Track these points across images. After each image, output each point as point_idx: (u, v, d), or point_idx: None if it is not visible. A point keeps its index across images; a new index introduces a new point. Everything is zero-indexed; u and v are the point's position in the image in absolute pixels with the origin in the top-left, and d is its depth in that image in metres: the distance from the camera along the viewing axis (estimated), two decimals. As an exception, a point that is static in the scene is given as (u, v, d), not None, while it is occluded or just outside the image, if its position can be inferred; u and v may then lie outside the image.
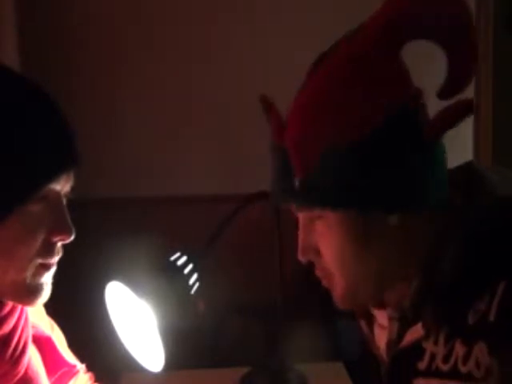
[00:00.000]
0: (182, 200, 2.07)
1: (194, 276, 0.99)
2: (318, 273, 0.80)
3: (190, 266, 0.99)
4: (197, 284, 1.00)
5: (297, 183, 0.74)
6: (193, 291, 0.99)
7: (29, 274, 0.77)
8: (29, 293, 0.78)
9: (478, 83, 2.02)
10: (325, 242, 0.76)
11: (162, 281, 0.95)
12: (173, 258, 0.99)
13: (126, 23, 2.05)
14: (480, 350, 0.65)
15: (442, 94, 0.71)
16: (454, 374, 0.69)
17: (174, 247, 1.02)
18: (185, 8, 2.05)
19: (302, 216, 0.79)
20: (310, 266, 0.81)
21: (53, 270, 0.80)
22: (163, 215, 2.03)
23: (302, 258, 0.79)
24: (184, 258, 1.00)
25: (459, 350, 0.68)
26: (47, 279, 0.80)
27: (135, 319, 0.97)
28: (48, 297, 0.81)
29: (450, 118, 0.69)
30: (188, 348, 1.45)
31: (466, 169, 0.78)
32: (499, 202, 0.72)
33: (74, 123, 0.80)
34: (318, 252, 0.78)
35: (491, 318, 0.65)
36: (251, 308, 1.90)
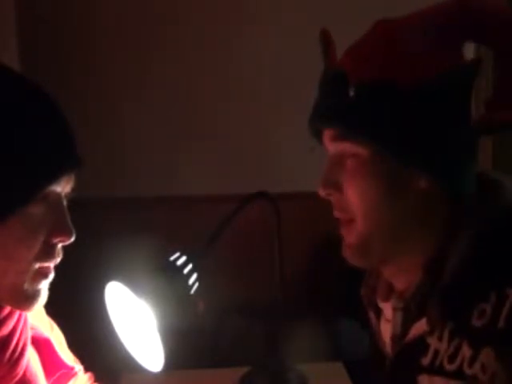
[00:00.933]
0: (182, 200, 2.08)
1: (194, 276, 0.99)
2: (337, 214, 0.79)
3: (190, 266, 0.99)
4: (196, 284, 1.00)
5: (346, 107, 0.73)
6: (192, 291, 0.99)
7: (27, 278, 0.76)
8: (26, 298, 0.78)
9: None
10: (352, 181, 0.75)
11: (162, 281, 0.95)
12: (172, 258, 0.99)
13: (126, 23, 2.05)
14: (487, 354, 0.65)
15: (490, 106, 0.71)
16: (458, 374, 0.69)
17: (173, 247, 1.02)
18: (185, 8, 2.06)
19: (334, 149, 0.78)
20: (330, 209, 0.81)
21: (51, 277, 0.80)
22: (163, 215, 2.03)
23: (323, 190, 0.78)
24: (183, 258, 0.99)
25: (466, 351, 0.68)
26: (44, 285, 0.80)
27: (135, 319, 0.96)
28: (44, 302, 0.81)
29: (503, 123, 0.70)
30: (188, 348, 1.45)
31: (481, 174, 0.78)
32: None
33: (73, 123, 0.80)
34: (339, 189, 0.77)
35: (501, 323, 0.65)
36: (251, 308, 1.90)
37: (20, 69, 1.87)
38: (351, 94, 0.72)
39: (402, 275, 0.79)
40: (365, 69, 0.72)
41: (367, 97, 0.71)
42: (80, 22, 2.04)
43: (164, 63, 2.07)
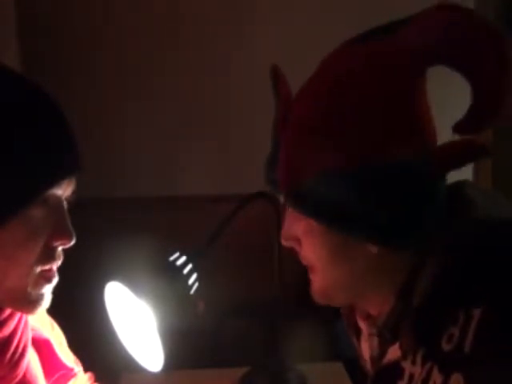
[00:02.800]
0: (182, 200, 2.08)
1: (194, 276, 0.99)
2: (302, 261, 0.80)
3: (190, 266, 0.99)
4: (196, 284, 1.00)
5: (286, 188, 0.73)
6: (192, 291, 0.99)
7: (30, 281, 0.76)
8: (29, 302, 0.78)
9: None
10: (307, 240, 0.76)
11: (162, 281, 0.95)
12: (172, 258, 0.99)
13: (126, 23, 2.05)
14: (457, 380, 0.63)
15: (460, 128, 0.66)
16: None
17: (173, 247, 1.02)
18: (186, 8, 2.05)
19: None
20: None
21: (54, 281, 0.80)
22: (163, 215, 2.03)
23: (284, 242, 0.80)
24: (183, 258, 0.99)
25: (436, 377, 0.66)
26: (48, 290, 0.80)
27: (135, 319, 0.96)
28: (48, 305, 0.81)
29: (462, 158, 0.65)
30: (188, 348, 1.45)
31: (455, 188, 0.75)
32: (481, 224, 0.70)
33: (73, 123, 0.80)
34: (298, 242, 0.78)
35: (466, 348, 0.63)
36: (251, 308, 1.90)
37: (20, 69, 1.87)
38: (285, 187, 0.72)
39: (375, 305, 0.79)
40: (300, 164, 0.70)
41: (306, 185, 0.70)
42: (80, 22, 2.04)
43: (164, 63, 2.07)
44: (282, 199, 0.79)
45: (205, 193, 2.06)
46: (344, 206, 0.68)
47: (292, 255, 0.81)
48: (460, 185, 0.76)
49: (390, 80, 0.67)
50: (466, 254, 0.68)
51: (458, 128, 0.66)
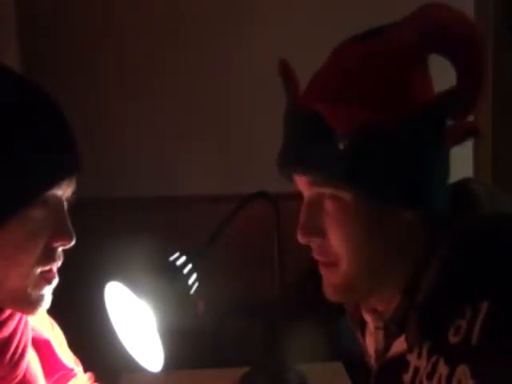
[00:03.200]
0: (182, 200, 2.07)
1: (194, 276, 0.99)
2: (319, 258, 0.78)
3: (190, 266, 0.99)
4: (196, 284, 1.00)
5: (326, 153, 0.71)
6: (192, 291, 0.99)
7: (30, 282, 0.76)
8: (29, 303, 0.78)
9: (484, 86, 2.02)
10: (334, 223, 0.74)
11: (162, 281, 0.95)
12: (172, 258, 0.99)
13: (126, 24, 2.05)
14: (463, 372, 0.64)
15: (452, 116, 0.72)
16: None
17: (173, 247, 1.02)
18: (186, 8, 2.05)
19: (309, 193, 0.77)
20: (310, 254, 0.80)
21: (54, 282, 0.80)
22: (163, 215, 2.03)
23: (305, 238, 0.77)
24: (183, 258, 0.99)
25: (442, 369, 0.67)
26: (48, 291, 0.80)
27: (135, 319, 0.97)
28: (48, 306, 0.81)
29: (466, 132, 0.71)
30: (188, 348, 1.45)
31: (460, 185, 0.78)
32: (486, 221, 0.72)
33: (74, 123, 0.80)
34: (322, 234, 0.75)
35: (474, 340, 0.64)
36: (251, 308, 1.90)
37: (20, 69, 1.87)
38: (335, 143, 0.71)
39: (383, 301, 0.79)
40: (345, 117, 0.70)
41: (350, 145, 0.70)
42: (80, 22, 2.04)
43: (164, 63, 2.07)
44: (303, 182, 0.77)
45: (205, 193, 2.06)
46: (377, 171, 0.70)
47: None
48: (464, 182, 0.79)
49: (399, 57, 0.73)
50: (471, 251, 0.70)
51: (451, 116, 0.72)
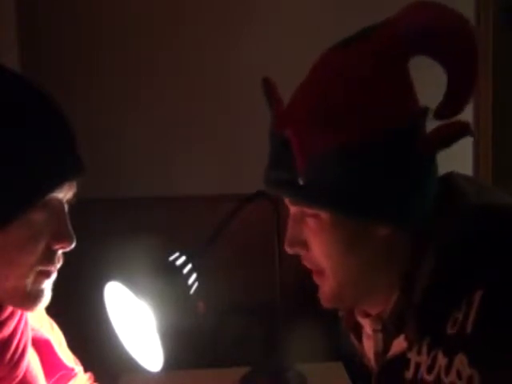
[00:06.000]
0: (182, 200, 2.08)
1: (193, 276, 0.99)
2: (307, 265, 0.80)
3: (189, 266, 0.99)
4: (196, 284, 1.00)
5: (297, 177, 0.72)
6: (192, 291, 0.99)
7: (29, 280, 0.76)
8: (29, 299, 0.78)
9: (478, 83, 2.02)
10: (315, 239, 0.76)
11: (161, 281, 0.95)
12: (172, 258, 0.99)
13: (126, 24, 2.05)
14: (460, 361, 0.65)
15: (440, 114, 0.71)
16: None
17: (173, 247, 1.02)
18: (187, 9, 2.06)
19: (293, 209, 0.79)
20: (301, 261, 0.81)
21: (53, 277, 0.80)
22: (163, 215, 2.03)
23: (288, 250, 0.80)
24: (183, 258, 0.99)
25: (441, 360, 0.68)
26: (47, 285, 0.79)
27: (134, 319, 0.96)
28: (48, 302, 0.81)
29: (447, 137, 0.69)
30: (188, 348, 1.45)
31: (443, 180, 0.78)
32: (472, 213, 0.72)
33: (74, 123, 0.79)
34: (305, 246, 0.78)
35: (469, 329, 0.65)
36: (251, 308, 1.90)
37: (20, 69, 1.87)
38: (295, 177, 0.72)
39: (378, 304, 0.80)
40: (314, 140, 0.71)
41: (319, 166, 0.70)
42: (80, 22, 2.04)
43: (164, 64, 2.07)
44: (287, 200, 0.79)
45: (205, 193, 2.06)
46: (355, 189, 0.70)
47: (292, 255, 0.81)
48: (447, 175, 0.79)
49: (377, 66, 0.72)
50: (464, 240, 0.70)
51: (438, 114, 0.71)
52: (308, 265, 0.80)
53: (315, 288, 0.83)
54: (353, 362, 1.41)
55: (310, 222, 0.76)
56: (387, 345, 0.79)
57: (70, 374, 0.98)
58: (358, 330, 0.89)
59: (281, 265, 1.24)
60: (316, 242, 0.76)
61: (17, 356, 0.81)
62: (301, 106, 0.75)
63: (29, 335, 0.85)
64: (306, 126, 0.72)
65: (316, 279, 0.81)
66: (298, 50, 1.95)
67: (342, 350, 1.66)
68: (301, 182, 0.72)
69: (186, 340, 1.21)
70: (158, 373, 0.97)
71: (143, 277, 0.95)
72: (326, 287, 0.79)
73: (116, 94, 2.07)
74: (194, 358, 1.51)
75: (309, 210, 0.75)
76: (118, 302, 0.96)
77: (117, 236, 1.81)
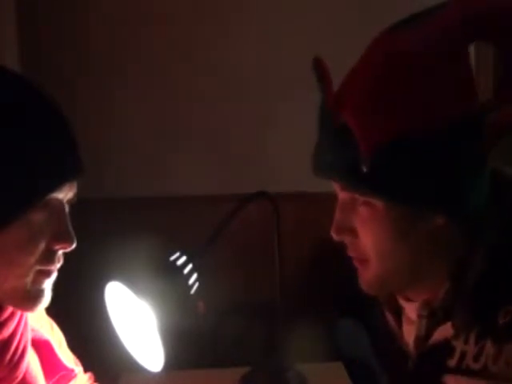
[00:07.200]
0: (182, 200, 2.08)
1: (194, 276, 0.99)
2: (351, 254, 0.80)
3: (190, 266, 0.99)
4: (196, 284, 1.00)
5: (358, 164, 0.70)
6: (192, 291, 0.99)
7: (28, 280, 0.76)
8: (29, 299, 0.78)
9: (478, 83, 2.02)
10: (366, 227, 0.76)
11: (162, 281, 0.95)
12: (172, 258, 0.99)
13: (126, 23, 2.05)
14: (511, 350, 0.66)
15: (491, 105, 0.70)
16: (484, 372, 0.69)
17: (173, 247, 1.02)
18: (185, 8, 2.06)
19: (343, 195, 0.78)
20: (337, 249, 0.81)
21: (53, 276, 0.80)
22: (163, 215, 2.03)
23: (335, 237, 0.79)
24: (183, 258, 0.99)
25: (489, 349, 0.69)
26: (47, 285, 0.79)
27: (135, 319, 0.96)
28: (48, 302, 0.81)
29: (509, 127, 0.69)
30: (188, 348, 1.45)
31: (493, 174, 0.77)
32: None
33: (74, 123, 0.79)
34: (354, 233, 0.77)
35: None
36: (251, 308, 1.90)
37: (20, 69, 1.87)
38: (353, 164, 0.70)
39: (428, 290, 0.80)
40: (377, 126, 0.69)
41: (380, 154, 0.69)
42: (80, 22, 2.04)
43: (164, 63, 2.07)
44: (337, 186, 0.77)
45: (205, 193, 2.06)
46: (416, 178, 0.69)
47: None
48: (496, 169, 0.78)
49: (440, 52, 0.70)
50: None
51: (500, 96, 0.70)
52: (352, 253, 0.79)
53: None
54: (353, 362, 1.41)
55: (362, 209, 0.75)
56: (430, 331, 0.79)
57: (69, 374, 0.98)
58: (398, 312, 0.88)
59: (281, 265, 1.24)
60: (366, 230, 0.76)
61: (16, 357, 0.81)
62: (358, 91, 0.72)
63: (29, 336, 0.85)
64: (367, 111, 0.70)
65: (358, 266, 0.80)
66: (298, 50, 1.95)
67: (341, 350, 1.66)
68: (364, 170, 0.69)
69: (187, 340, 1.21)
70: (158, 373, 0.97)
71: (144, 277, 0.95)
72: (370, 274, 0.78)
73: (116, 93, 2.07)
74: (194, 358, 1.51)
75: (361, 198, 0.74)
76: (119, 302, 0.96)
77: (117, 236, 1.82)
